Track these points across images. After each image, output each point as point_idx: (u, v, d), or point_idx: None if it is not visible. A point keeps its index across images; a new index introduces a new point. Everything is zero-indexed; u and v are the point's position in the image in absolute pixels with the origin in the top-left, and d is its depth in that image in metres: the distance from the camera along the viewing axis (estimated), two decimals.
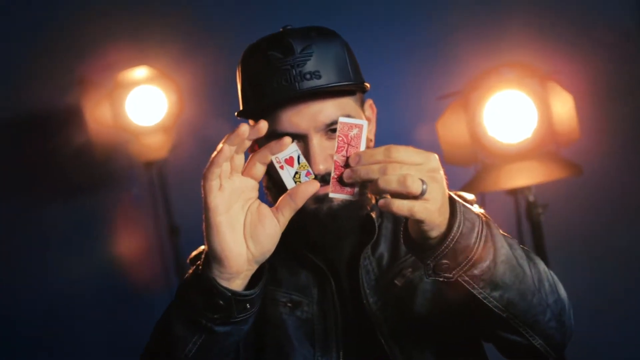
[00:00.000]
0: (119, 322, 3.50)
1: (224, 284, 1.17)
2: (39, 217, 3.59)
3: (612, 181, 3.10)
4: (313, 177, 1.18)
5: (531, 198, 2.70)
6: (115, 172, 3.65)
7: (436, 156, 1.11)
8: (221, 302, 1.17)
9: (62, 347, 3.49)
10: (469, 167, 2.65)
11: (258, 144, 1.48)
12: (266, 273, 1.25)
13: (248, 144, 1.16)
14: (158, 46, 3.50)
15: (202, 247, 1.60)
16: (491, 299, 1.18)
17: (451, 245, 1.12)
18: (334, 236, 1.47)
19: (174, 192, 3.51)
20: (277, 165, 1.18)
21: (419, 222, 1.10)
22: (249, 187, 1.20)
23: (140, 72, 3.36)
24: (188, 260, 1.63)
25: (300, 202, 1.18)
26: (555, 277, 1.35)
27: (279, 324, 1.50)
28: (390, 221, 1.58)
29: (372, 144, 1.57)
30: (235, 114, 1.53)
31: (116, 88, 3.37)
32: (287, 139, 1.17)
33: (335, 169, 1.15)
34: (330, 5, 2.84)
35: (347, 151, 1.15)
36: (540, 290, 1.25)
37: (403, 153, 1.08)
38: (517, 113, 2.56)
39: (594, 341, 2.87)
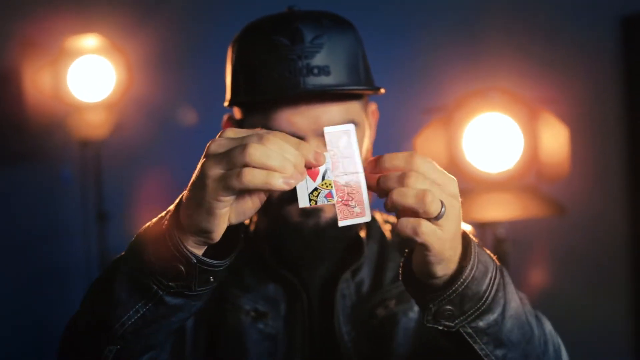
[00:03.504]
0: (32, 312, 3.22)
1: (189, 246, 0.96)
2: None
3: (591, 224, 2.97)
4: (334, 201, 0.94)
5: (501, 233, 2.49)
6: (48, 147, 3.39)
7: (456, 181, 0.95)
8: (182, 267, 0.96)
9: None
10: None
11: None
12: (241, 243, 1.03)
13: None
14: (108, 13, 3.26)
15: None
16: (493, 357, 1.01)
17: (460, 289, 0.95)
18: (314, 255, 1.33)
19: (108, 175, 3.29)
20: None
21: (425, 250, 0.91)
22: None
23: (88, 40, 3.09)
24: None
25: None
26: (560, 341, 1.19)
27: (237, 335, 1.33)
28: (375, 242, 1.41)
29: (369, 154, 1.40)
30: (225, 104, 1.35)
31: (60, 55, 3.11)
32: (326, 154, 0.95)
33: (337, 191, 0.94)
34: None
35: (343, 165, 0.94)
36: (545, 354, 1.10)
37: (427, 166, 0.91)
38: (501, 139, 2.35)
39: None
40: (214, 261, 0.97)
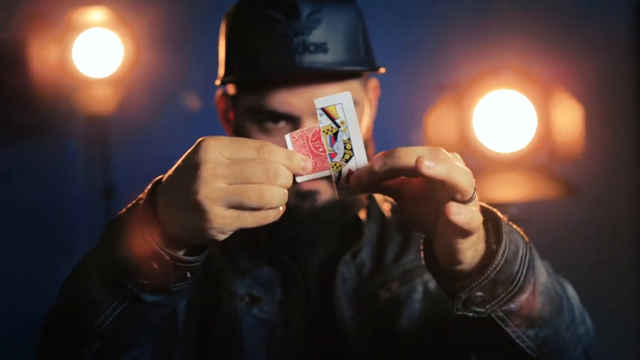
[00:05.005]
0: (36, 290, 3.19)
1: (167, 245, 0.87)
2: None
3: (604, 205, 2.93)
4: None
5: (513, 214, 2.45)
6: (53, 122, 3.34)
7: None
8: (155, 265, 0.88)
9: None
10: None
11: (241, 117, 1.27)
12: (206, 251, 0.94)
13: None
14: None
15: None
16: (525, 338, 0.94)
17: (492, 275, 0.87)
18: (311, 239, 1.28)
19: (114, 151, 3.24)
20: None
21: (456, 230, 0.81)
22: None
23: (94, 13, 3.04)
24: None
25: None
26: (580, 303, 1.12)
27: (232, 321, 1.28)
28: (375, 222, 1.36)
29: (369, 132, 1.35)
30: (217, 82, 1.30)
31: (66, 29, 3.06)
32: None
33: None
34: None
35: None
36: (573, 322, 1.03)
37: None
38: (513, 118, 2.31)
39: None
40: (188, 257, 0.89)
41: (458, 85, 2.37)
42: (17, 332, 3.16)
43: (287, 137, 0.86)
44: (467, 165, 0.84)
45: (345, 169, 0.86)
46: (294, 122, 1.21)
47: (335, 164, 0.86)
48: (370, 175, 0.84)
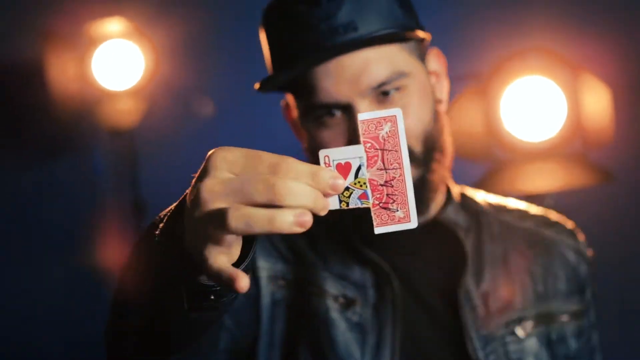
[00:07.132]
0: (67, 311, 3.18)
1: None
2: None
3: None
4: (369, 204, 0.73)
5: (550, 204, 2.38)
6: (77, 139, 3.33)
7: None
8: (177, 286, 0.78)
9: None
10: (481, 163, 2.32)
11: (302, 121, 1.23)
12: (251, 255, 0.77)
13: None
14: None
15: None
16: None
17: None
18: (402, 248, 1.25)
19: (142, 164, 3.21)
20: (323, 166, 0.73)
21: None
22: None
23: (112, 25, 3.01)
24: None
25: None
26: None
27: (323, 322, 1.22)
28: (483, 231, 1.34)
29: (438, 105, 1.26)
30: (255, 86, 1.24)
31: (84, 43, 3.04)
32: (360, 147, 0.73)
33: (373, 192, 0.73)
34: None
35: (383, 160, 0.73)
36: None
37: None
38: (542, 104, 2.23)
39: None
40: (208, 282, 0.76)
41: (481, 74, 2.30)
42: (51, 350, 3.17)
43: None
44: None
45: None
46: (347, 109, 1.15)
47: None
48: None
